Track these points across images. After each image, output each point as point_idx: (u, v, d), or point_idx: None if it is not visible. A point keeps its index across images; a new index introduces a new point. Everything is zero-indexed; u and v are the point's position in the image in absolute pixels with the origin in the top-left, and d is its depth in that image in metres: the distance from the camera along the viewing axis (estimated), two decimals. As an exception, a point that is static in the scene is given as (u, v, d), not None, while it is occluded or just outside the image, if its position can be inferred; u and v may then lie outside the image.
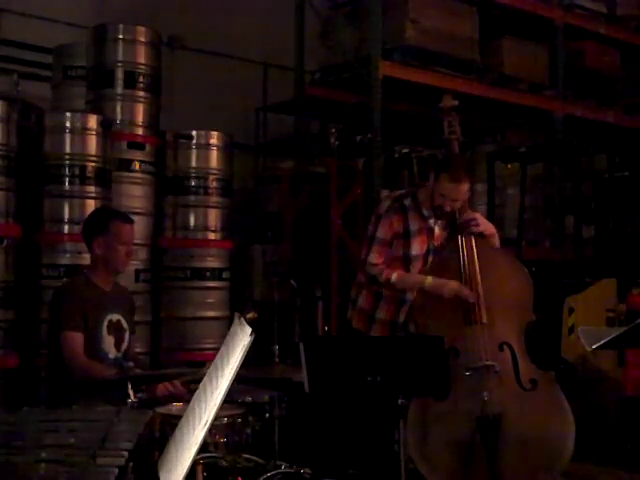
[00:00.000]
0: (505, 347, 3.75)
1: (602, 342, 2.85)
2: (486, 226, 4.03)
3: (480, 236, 3.97)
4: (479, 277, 3.83)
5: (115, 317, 3.83)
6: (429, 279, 3.84)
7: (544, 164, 8.12)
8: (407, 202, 4.02)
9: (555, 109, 8.18)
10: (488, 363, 3.68)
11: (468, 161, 4.13)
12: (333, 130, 7.36)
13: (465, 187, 3.90)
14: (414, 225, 4.00)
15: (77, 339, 3.64)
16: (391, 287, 3.95)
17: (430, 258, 4.05)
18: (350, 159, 7.21)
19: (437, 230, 4.06)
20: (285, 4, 7.87)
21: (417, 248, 4.01)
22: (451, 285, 3.81)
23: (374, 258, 3.94)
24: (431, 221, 4.03)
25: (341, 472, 3.92)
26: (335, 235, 6.91)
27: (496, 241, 4.10)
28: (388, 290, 4.03)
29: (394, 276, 3.90)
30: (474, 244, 3.90)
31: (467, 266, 3.85)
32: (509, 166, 7.81)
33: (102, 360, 3.71)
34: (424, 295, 3.89)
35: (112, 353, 3.78)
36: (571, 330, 5.72)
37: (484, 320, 3.78)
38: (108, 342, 3.77)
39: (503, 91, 7.82)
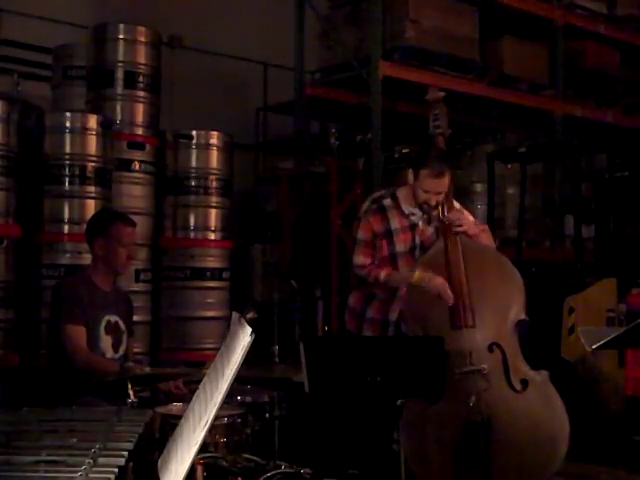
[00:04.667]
0: (495, 348, 3.71)
1: (602, 342, 2.85)
2: (469, 226, 3.97)
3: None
4: (464, 279, 3.80)
5: (113, 318, 3.84)
6: (417, 274, 3.82)
7: (544, 164, 8.12)
8: (387, 202, 4.03)
9: (555, 109, 8.17)
10: (475, 367, 3.65)
11: (445, 152, 4.09)
12: (333, 130, 7.36)
13: (447, 179, 3.89)
14: (395, 224, 4.01)
15: (79, 332, 3.66)
16: (381, 286, 3.95)
17: (417, 254, 4.04)
18: (350, 159, 7.21)
19: (421, 225, 4.05)
20: (285, 4, 7.86)
21: (401, 246, 4.02)
22: (437, 281, 3.77)
23: (359, 259, 3.98)
24: (413, 217, 4.03)
25: (341, 472, 3.92)
26: (335, 235, 6.91)
27: (482, 241, 4.03)
28: (380, 290, 4.03)
29: (382, 275, 3.92)
30: (459, 244, 3.88)
31: (452, 268, 3.83)
32: (509, 166, 7.81)
33: (99, 360, 3.73)
34: (411, 298, 3.88)
35: (109, 353, 3.80)
36: (571, 330, 5.72)
37: (470, 323, 3.75)
38: (106, 342, 3.79)
39: (503, 91, 7.82)
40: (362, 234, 3.98)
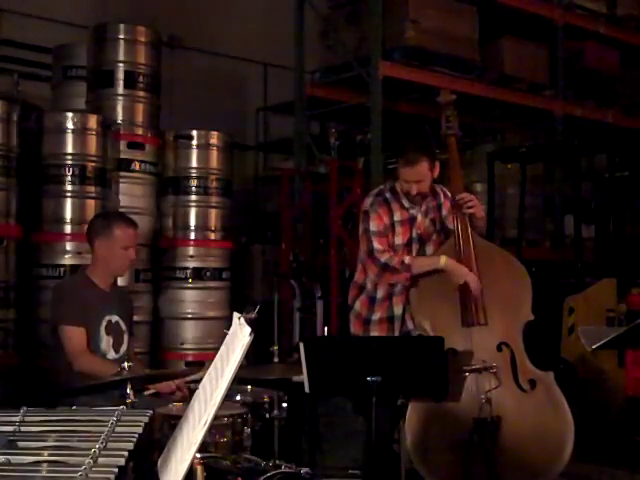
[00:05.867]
0: (504, 347, 3.73)
1: (602, 342, 2.86)
2: (478, 208, 4.00)
3: (470, 218, 3.96)
4: (477, 275, 3.82)
5: (114, 318, 3.84)
6: (443, 258, 3.82)
7: (544, 164, 8.13)
8: (388, 195, 4.06)
9: (555, 109, 8.18)
10: (486, 364, 3.67)
11: (423, 141, 4.09)
12: (333, 130, 7.36)
13: (423, 167, 3.89)
14: (397, 216, 4.03)
15: (79, 333, 3.67)
16: (405, 269, 3.89)
17: (414, 246, 4.05)
18: (350, 159, 7.21)
19: (420, 218, 4.06)
20: (285, 4, 7.87)
21: (400, 238, 4.04)
22: (464, 269, 3.79)
23: (379, 245, 3.94)
24: (413, 210, 4.05)
25: (341, 472, 3.92)
26: (335, 235, 6.92)
27: (483, 224, 4.09)
28: (380, 289, 4.03)
29: (407, 258, 3.90)
30: (469, 228, 3.89)
31: (464, 263, 3.84)
32: (509, 166, 7.81)
33: (100, 360, 3.73)
34: (420, 294, 3.88)
35: (110, 354, 3.80)
36: (571, 330, 5.72)
37: (482, 321, 3.77)
38: (106, 342, 3.79)
39: (503, 91, 7.83)
40: (375, 226, 3.97)
